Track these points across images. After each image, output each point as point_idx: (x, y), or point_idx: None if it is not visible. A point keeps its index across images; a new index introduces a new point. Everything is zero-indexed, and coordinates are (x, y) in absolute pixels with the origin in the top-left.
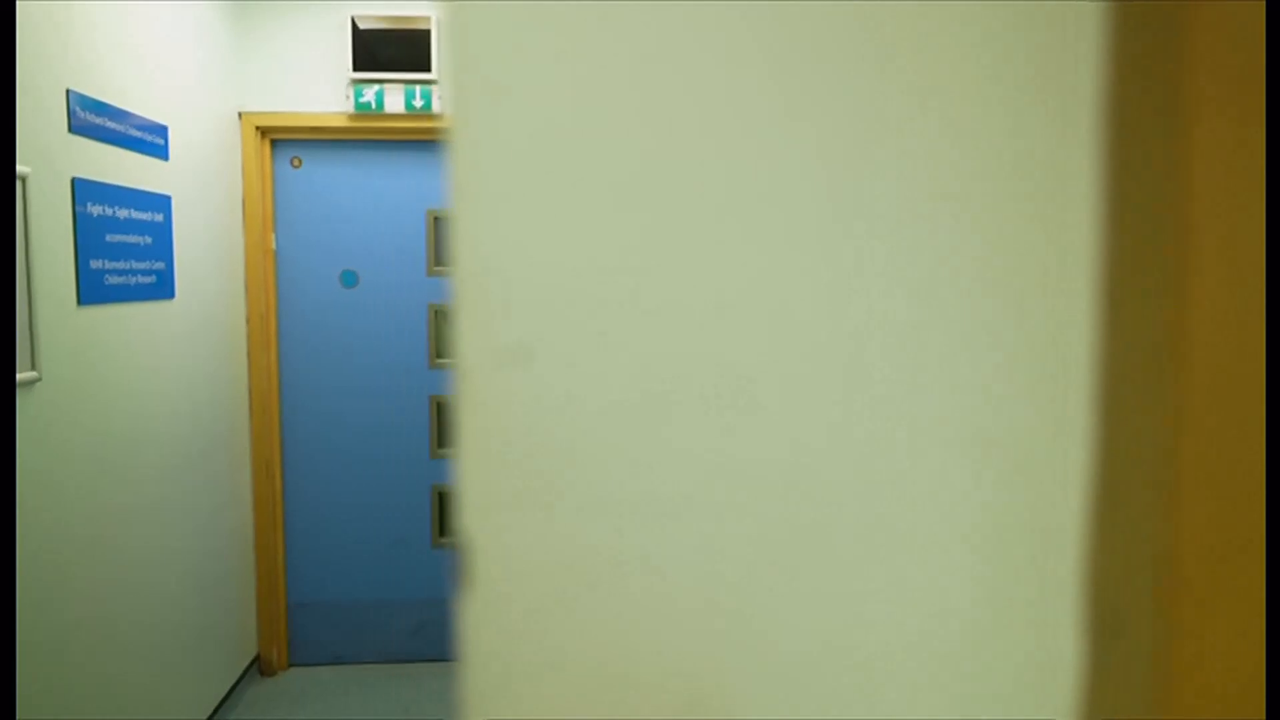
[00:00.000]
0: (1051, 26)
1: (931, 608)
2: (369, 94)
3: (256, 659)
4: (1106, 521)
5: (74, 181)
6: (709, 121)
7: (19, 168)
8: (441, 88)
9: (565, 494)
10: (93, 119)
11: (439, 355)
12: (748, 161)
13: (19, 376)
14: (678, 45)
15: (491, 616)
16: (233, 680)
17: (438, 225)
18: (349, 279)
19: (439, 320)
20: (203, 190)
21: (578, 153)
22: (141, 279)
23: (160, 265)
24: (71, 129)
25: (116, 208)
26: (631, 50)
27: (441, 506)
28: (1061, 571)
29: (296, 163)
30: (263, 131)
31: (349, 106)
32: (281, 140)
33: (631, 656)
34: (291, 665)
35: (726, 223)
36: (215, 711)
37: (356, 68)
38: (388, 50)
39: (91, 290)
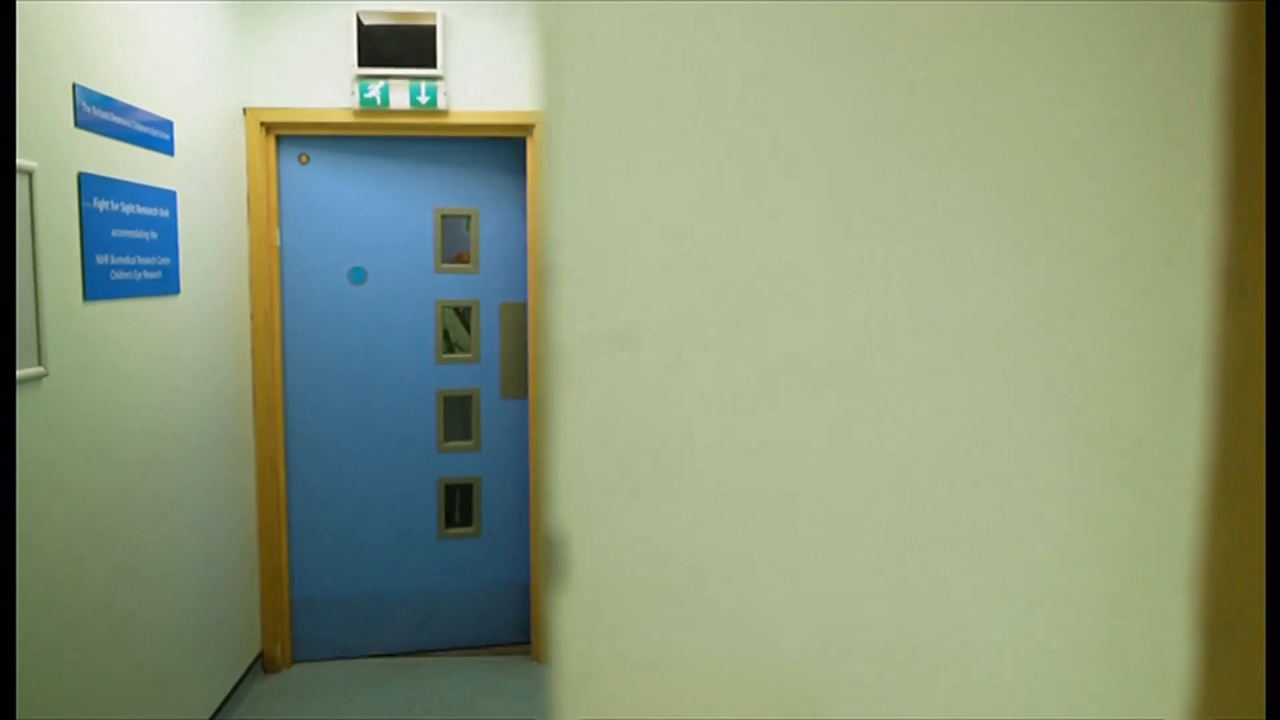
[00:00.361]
0: (1171, 25)
1: (1037, 607)
2: (374, 90)
3: (260, 656)
4: (1220, 519)
5: (80, 176)
6: (813, 107)
7: (25, 162)
8: (534, 75)
9: (665, 485)
10: (99, 114)
11: (447, 350)
12: (854, 151)
13: (25, 372)
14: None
15: (585, 612)
16: (236, 677)
17: (445, 223)
18: (358, 275)
19: (446, 316)
20: (207, 186)
21: (682, 136)
22: (147, 274)
23: (165, 261)
24: (78, 123)
25: (122, 203)
26: (736, 42)
27: (448, 499)
28: (1173, 571)
29: (304, 159)
30: (267, 127)
31: (354, 102)
32: (286, 136)
33: (728, 655)
34: (295, 662)
35: (832, 208)
36: (219, 709)
37: (362, 63)
38: (393, 46)
39: (97, 285)
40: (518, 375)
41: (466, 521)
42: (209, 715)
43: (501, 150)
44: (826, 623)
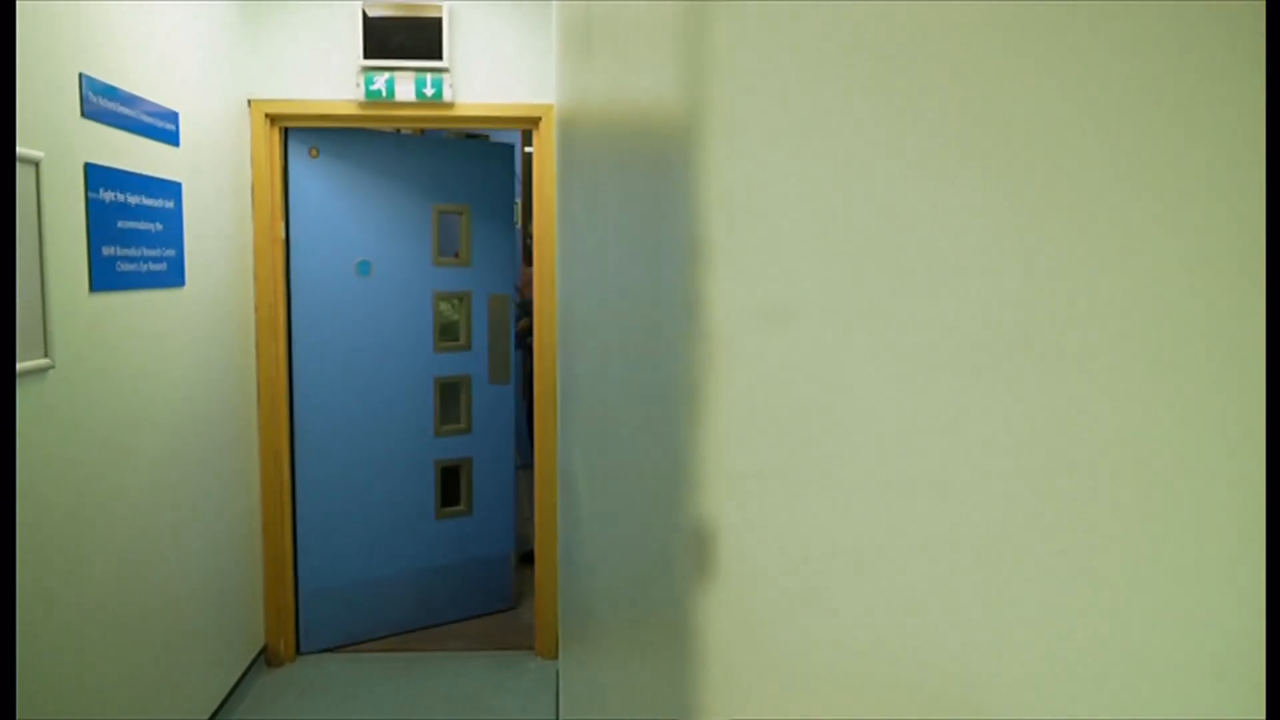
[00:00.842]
0: (1218, 26)
1: (1207, 607)
2: (380, 82)
3: (263, 650)
4: None
5: (86, 167)
6: (975, 80)
7: (32, 152)
8: (674, 48)
9: (820, 473)
10: (105, 104)
11: (442, 339)
12: (1019, 124)
13: (32, 363)
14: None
15: (736, 606)
16: (240, 672)
17: (441, 219)
18: (364, 268)
19: (441, 307)
20: (212, 177)
21: (838, 109)
22: (153, 266)
23: (171, 252)
24: (84, 114)
25: (128, 194)
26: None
27: (443, 481)
28: None
29: (314, 153)
30: (272, 119)
31: (359, 94)
32: (296, 129)
33: (883, 652)
34: (299, 655)
35: (998, 184)
36: (222, 704)
37: (367, 55)
38: (398, 38)
39: (104, 277)
40: (503, 362)
41: (458, 500)
42: (212, 710)
43: (486, 151)
44: (986, 620)
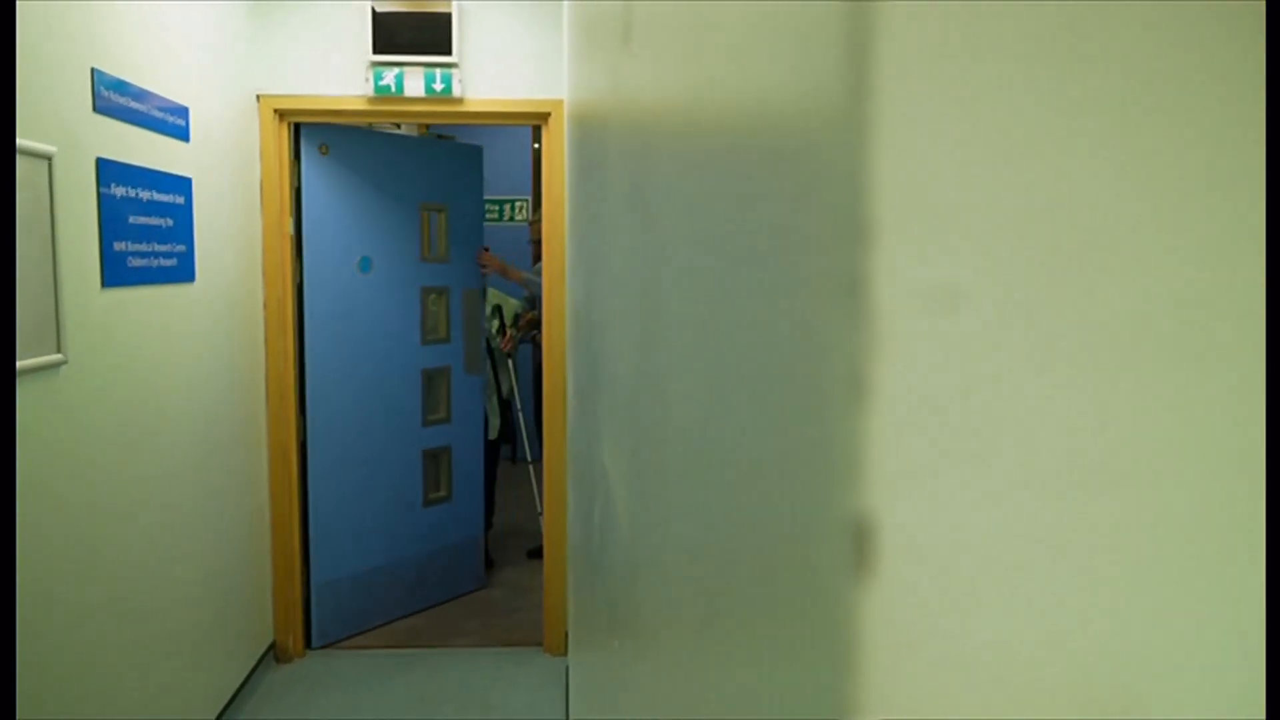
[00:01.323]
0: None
1: None
2: (389, 77)
3: (272, 645)
4: None
5: (98, 162)
6: (1160, 57)
7: (44, 146)
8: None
9: (990, 466)
10: (116, 99)
11: (427, 333)
12: (1207, 102)
13: (45, 359)
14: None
15: (898, 606)
16: (248, 668)
17: (430, 217)
18: (366, 265)
19: (429, 302)
20: (222, 173)
21: (1015, 84)
22: (163, 262)
23: (181, 248)
24: (96, 108)
25: (139, 189)
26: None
27: (426, 469)
28: None
29: (324, 150)
30: (281, 114)
31: (368, 89)
32: (307, 125)
33: (1048, 653)
34: (308, 650)
35: (1181, 165)
36: (231, 700)
37: (376, 50)
38: (408, 33)
39: (115, 272)
40: (475, 353)
41: (439, 487)
42: (221, 706)
43: (460, 152)
44: (1157, 623)
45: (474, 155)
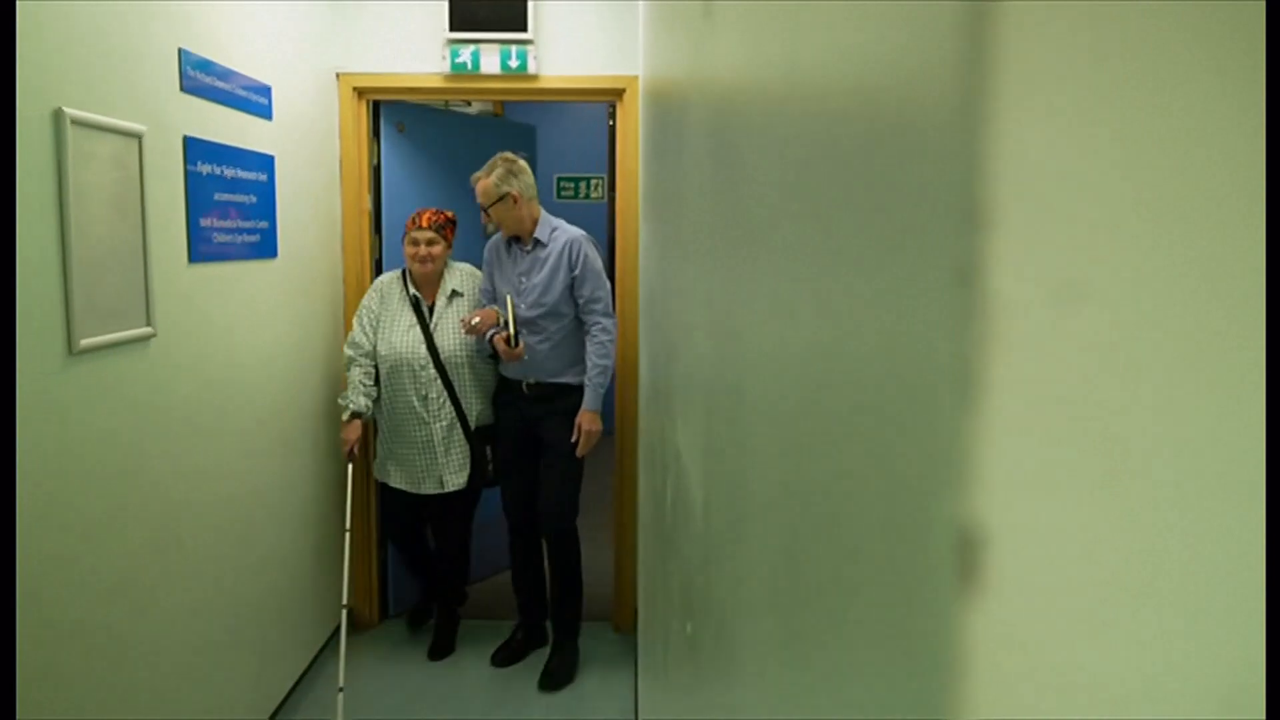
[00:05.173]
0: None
1: None
2: (465, 54)
3: (349, 614)
4: None
5: (185, 140)
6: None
7: (135, 125)
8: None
9: (1110, 473)
10: (202, 78)
11: None
12: None
13: (136, 332)
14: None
15: (1011, 625)
16: (325, 636)
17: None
18: None
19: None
20: (303, 150)
21: (1146, 76)
22: (247, 238)
23: (264, 224)
24: (183, 88)
25: (224, 166)
26: None
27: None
28: None
29: (401, 128)
30: (359, 92)
31: (445, 67)
32: (385, 103)
33: (1163, 674)
34: (384, 620)
35: None
36: (308, 669)
37: (453, 28)
38: (484, 11)
39: (201, 248)
40: None
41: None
42: (300, 671)
43: (514, 131)
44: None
45: (527, 134)
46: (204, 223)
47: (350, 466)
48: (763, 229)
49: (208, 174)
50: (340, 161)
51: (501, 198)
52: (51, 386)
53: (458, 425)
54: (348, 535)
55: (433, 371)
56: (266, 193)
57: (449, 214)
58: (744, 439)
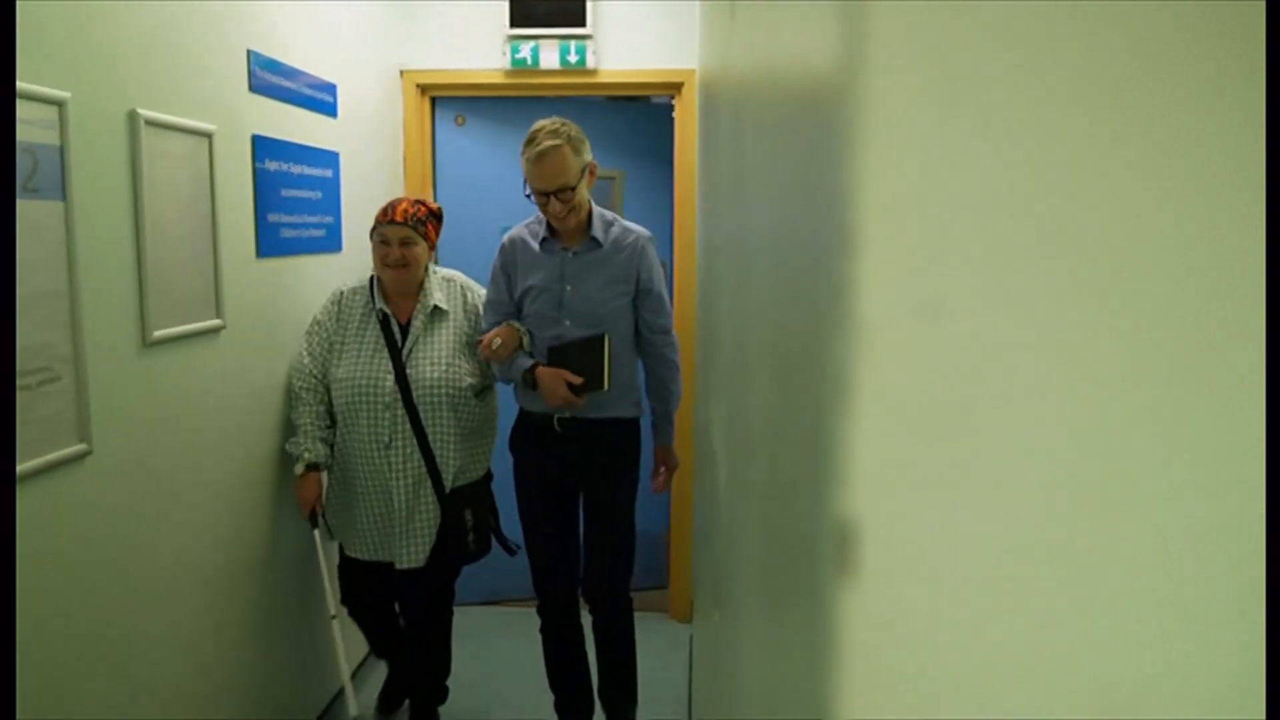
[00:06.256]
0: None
1: None
2: (525, 50)
3: None
4: None
5: (254, 139)
6: (1148, 71)
7: (205, 125)
8: (819, 24)
9: (972, 474)
10: (270, 78)
11: None
12: (1196, 121)
13: (207, 323)
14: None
15: (876, 613)
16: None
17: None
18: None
19: None
20: (366, 147)
21: (1001, 99)
22: (313, 232)
23: (329, 219)
24: (251, 88)
25: (291, 163)
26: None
27: None
28: None
29: (460, 121)
30: (422, 89)
31: (505, 63)
32: (443, 98)
33: (1039, 660)
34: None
35: (1169, 184)
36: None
37: (513, 24)
38: (543, 6)
39: (268, 243)
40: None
41: None
42: (361, 658)
43: (650, 111)
44: (1138, 626)
45: (660, 115)
46: (271, 218)
47: (316, 533)
48: (737, 234)
49: (275, 171)
50: (404, 157)
51: (583, 172)
52: (127, 376)
53: (427, 483)
54: (335, 623)
55: (400, 412)
56: (331, 188)
57: (433, 205)
58: (738, 440)
